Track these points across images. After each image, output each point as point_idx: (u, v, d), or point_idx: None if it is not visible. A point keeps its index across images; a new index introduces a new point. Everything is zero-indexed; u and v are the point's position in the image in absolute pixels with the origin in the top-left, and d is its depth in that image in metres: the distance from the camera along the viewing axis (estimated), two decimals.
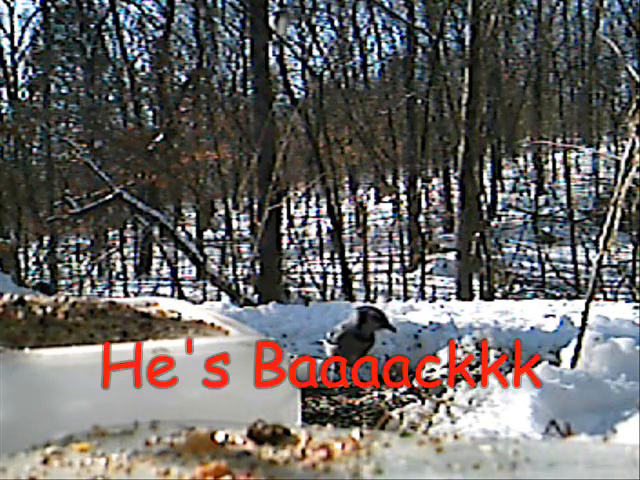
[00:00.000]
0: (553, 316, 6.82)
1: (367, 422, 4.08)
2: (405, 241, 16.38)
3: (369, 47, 21.80)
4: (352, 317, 4.70)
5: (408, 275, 15.24)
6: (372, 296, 14.56)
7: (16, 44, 20.89)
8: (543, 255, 15.19)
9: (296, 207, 21.86)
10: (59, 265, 18.75)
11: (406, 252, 16.14)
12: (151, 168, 14.94)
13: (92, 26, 20.45)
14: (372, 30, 21.17)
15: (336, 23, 20.65)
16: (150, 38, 20.03)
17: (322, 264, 16.38)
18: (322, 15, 20.48)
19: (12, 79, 20.39)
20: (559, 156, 20.63)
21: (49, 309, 1.47)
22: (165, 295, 14.07)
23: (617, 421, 3.18)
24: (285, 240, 16.42)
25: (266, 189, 10.23)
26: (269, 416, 0.97)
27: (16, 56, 20.84)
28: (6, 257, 16.78)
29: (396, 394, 4.55)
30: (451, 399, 4.12)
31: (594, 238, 13.00)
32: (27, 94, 21.64)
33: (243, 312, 7.15)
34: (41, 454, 0.89)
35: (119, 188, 12.26)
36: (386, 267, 15.94)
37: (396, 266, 15.74)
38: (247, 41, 16.66)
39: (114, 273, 18.87)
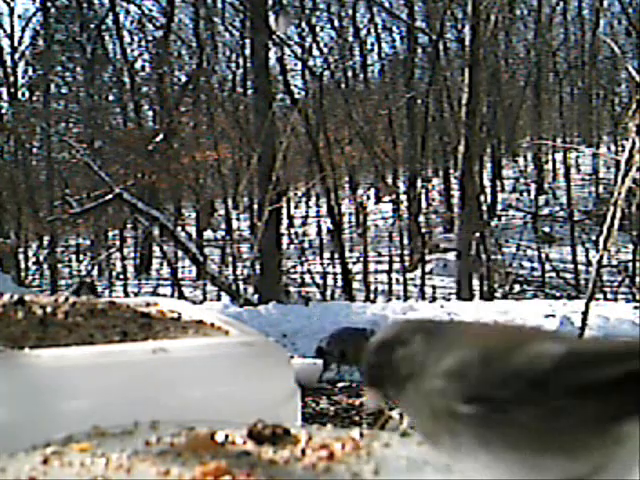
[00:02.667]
0: (553, 316, 6.83)
1: (367, 422, 4.08)
2: (405, 241, 16.37)
3: (369, 47, 21.79)
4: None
5: (408, 275, 15.23)
6: (372, 296, 14.56)
7: (16, 44, 20.92)
8: (543, 255, 15.19)
9: (296, 207, 21.85)
10: (59, 265, 18.74)
11: (406, 252, 16.13)
12: (151, 168, 14.94)
13: (92, 26, 20.45)
14: (372, 30, 21.17)
15: (336, 23, 20.65)
16: (150, 38, 20.04)
17: (322, 264, 16.37)
18: (322, 15, 20.49)
19: (12, 79, 20.39)
20: (559, 156, 20.61)
21: (49, 309, 1.47)
22: (165, 295, 14.07)
23: None
24: (285, 240, 16.41)
25: (266, 189, 10.24)
26: (269, 416, 0.97)
27: (16, 56, 20.86)
28: (6, 257, 16.79)
29: None
30: None
31: (594, 238, 13.00)
32: (27, 94, 21.65)
33: (243, 312, 7.17)
34: (41, 454, 0.89)
35: (119, 188, 12.26)
36: (386, 267, 15.93)
37: (396, 266, 15.73)
38: (247, 41, 16.66)
39: (114, 273, 18.86)
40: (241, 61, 20.40)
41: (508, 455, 0.72)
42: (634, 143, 4.13)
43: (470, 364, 0.74)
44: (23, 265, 19.10)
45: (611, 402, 0.71)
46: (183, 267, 16.80)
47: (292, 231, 18.94)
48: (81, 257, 19.98)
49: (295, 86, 18.20)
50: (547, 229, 17.62)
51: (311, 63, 18.20)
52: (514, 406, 0.72)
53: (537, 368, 0.73)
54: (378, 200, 20.96)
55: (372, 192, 21.11)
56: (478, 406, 0.72)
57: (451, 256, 14.46)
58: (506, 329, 0.85)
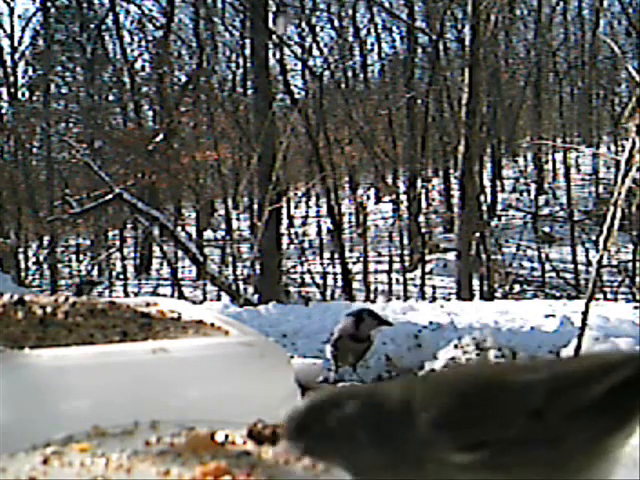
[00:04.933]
0: (553, 316, 6.82)
1: None
2: (405, 241, 16.37)
3: (369, 47, 21.79)
4: (346, 321, 4.82)
5: (408, 275, 15.24)
6: (372, 296, 14.55)
7: (16, 44, 20.91)
8: (543, 255, 15.19)
9: (296, 207, 21.85)
10: (59, 265, 18.74)
11: (406, 252, 16.13)
12: (151, 168, 14.94)
13: (92, 26, 20.45)
14: (372, 30, 21.15)
15: (336, 23, 20.65)
16: (150, 38, 20.05)
17: (322, 264, 16.38)
18: (322, 15, 20.48)
19: (12, 79, 20.39)
20: (559, 156, 20.61)
21: (49, 309, 1.47)
22: (165, 295, 14.07)
23: None
24: (285, 240, 16.41)
25: (266, 189, 10.23)
26: (269, 416, 0.97)
27: (16, 56, 20.85)
28: (6, 257, 16.79)
29: None
30: None
31: (594, 238, 13.00)
32: (27, 94, 21.64)
33: (243, 312, 7.17)
34: (41, 454, 0.89)
35: (119, 188, 12.26)
36: (386, 267, 15.93)
37: (396, 266, 15.73)
38: (247, 41, 16.66)
39: (114, 273, 18.87)
40: (241, 61, 20.41)
41: None
42: (634, 143, 4.13)
43: (453, 410, 0.72)
44: (23, 265, 19.09)
45: (601, 418, 0.72)
46: (183, 267, 16.80)
47: (292, 231, 18.94)
48: (81, 257, 19.98)
49: (295, 86, 18.21)
50: (547, 229, 17.62)
51: (311, 63, 18.22)
52: (516, 445, 0.70)
53: (528, 400, 0.71)
54: (378, 200, 20.96)
55: (372, 192, 21.11)
56: (476, 452, 0.70)
57: (451, 256, 14.46)
58: (477, 368, 0.82)
